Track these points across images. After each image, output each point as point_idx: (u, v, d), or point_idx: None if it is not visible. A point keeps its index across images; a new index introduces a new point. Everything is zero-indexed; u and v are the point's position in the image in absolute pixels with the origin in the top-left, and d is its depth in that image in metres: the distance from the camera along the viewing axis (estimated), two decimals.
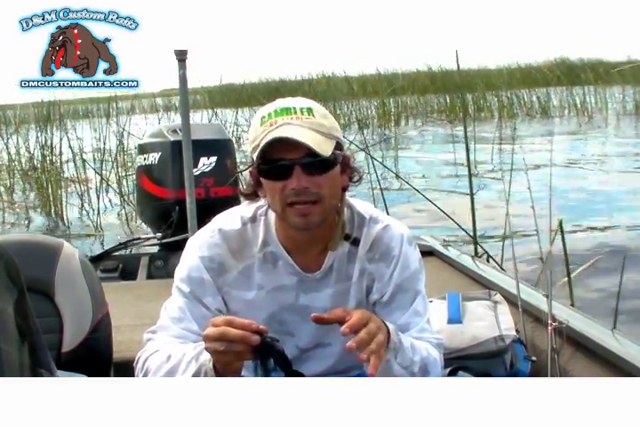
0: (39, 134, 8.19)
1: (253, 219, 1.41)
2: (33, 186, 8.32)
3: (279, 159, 1.26)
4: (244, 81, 16.78)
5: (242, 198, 1.45)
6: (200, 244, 1.41)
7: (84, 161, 8.22)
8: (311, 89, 13.98)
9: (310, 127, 1.27)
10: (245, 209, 1.43)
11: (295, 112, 1.28)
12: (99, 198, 7.41)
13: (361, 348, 1.13)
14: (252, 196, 1.39)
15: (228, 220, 1.42)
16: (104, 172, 7.96)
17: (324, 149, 1.26)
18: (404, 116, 15.45)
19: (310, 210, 1.28)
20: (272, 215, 1.40)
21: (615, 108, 16.20)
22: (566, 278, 3.47)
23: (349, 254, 1.41)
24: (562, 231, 3.33)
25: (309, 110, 1.29)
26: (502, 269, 3.56)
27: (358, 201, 1.48)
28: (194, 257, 1.40)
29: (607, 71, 16.12)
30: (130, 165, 8.36)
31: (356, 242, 1.41)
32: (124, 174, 8.05)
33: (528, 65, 19.14)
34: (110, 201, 7.84)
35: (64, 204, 7.57)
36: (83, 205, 7.72)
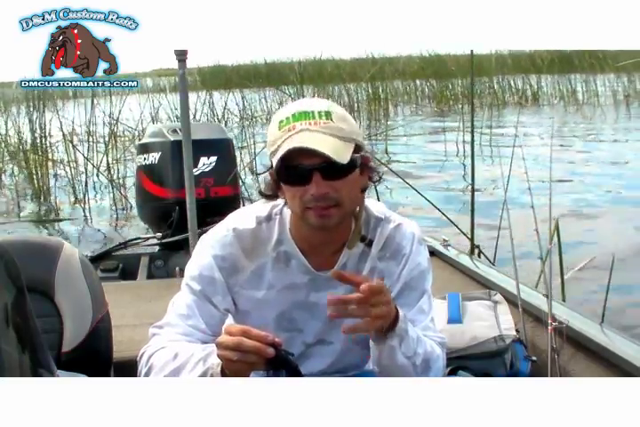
0: (29, 114, 8.08)
1: (268, 218, 1.41)
2: (22, 168, 8.27)
3: (298, 165, 1.26)
4: (235, 63, 16.69)
5: (259, 198, 1.45)
6: (213, 242, 1.40)
7: (73, 146, 8.16)
8: (302, 72, 13.95)
9: (329, 133, 1.26)
10: (260, 208, 1.43)
11: (313, 116, 1.27)
12: (86, 185, 7.40)
13: (342, 307, 1.16)
14: (272, 197, 1.39)
15: (243, 218, 1.42)
16: (94, 154, 7.93)
17: (343, 155, 1.25)
18: (392, 103, 15.32)
19: (330, 212, 1.28)
20: (287, 214, 1.40)
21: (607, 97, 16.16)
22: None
23: (362, 255, 1.42)
24: (558, 232, 3.33)
25: (328, 114, 1.28)
26: (493, 264, 3.58)
27: (372, 201, 1.48)
28: (207, 255, 1.39)
29: (599, 60, 16.07)
30: (121, 148, 8.36)
31: (370, 243, 1.41)
32: (114, 160, 8.04)
33: (519, 51, 19.06)
34: (99, 186, 7.82)
35: (52, 187, 7.60)
36: (74, 189, 7.68)
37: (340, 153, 1.25)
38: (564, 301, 3.21)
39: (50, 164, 7.86)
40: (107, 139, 8.20)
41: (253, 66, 17.18)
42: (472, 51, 4.28)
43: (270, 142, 1.30)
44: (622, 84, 16.03)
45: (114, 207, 7.10)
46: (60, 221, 6.86)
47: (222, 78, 14.22)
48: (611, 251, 3.81)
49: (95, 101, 8.43)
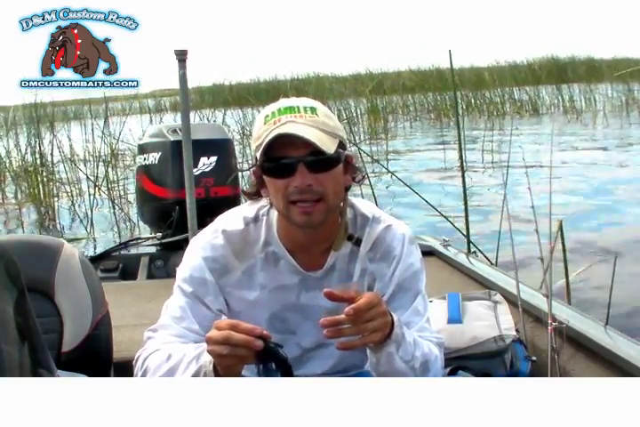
0: (30, 137, 8.12)
1: (255, 219, 1.41)
2: (24, 189, 8.27)
3: (283, 157, 1.27)
4: (232, 81, 16.77)
5: (244, 198, 1.46)
6: (203, 244, 1.40)
7: (75, 165, 8.17)
8: (301, 89, 14.04)
9: (314, 125, 1.27)
10: (248, 209, 1.44)
11: (299, 111, 1.29)
12: (92, 205, 7.39)
13: (335, 328, 1.14)
14: (255, 195, 1.39)
15: (231, 220, 1.42)
16: (94, 171, 7.94)
17: (328, 146, 1.27)
18: (392, 117, 15.39)
19: (313, 208, 1.28)
20: (274, 215, 1.40)
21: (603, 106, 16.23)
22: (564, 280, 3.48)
23: (351, 254, 1.41)
24: (562, 233, 3.32)
25: (313, 109, 1.30)
26: (492, 264, 3.58)
27: (361, 200, 1.48)
28: (197, 257, 1.40)
29: (595, 68, 16.17)
30: (121, 169, 8.39)
31: (358, 242, 1.41)
32: (115, 178, 8.07)
33: (516, 63, 19.24)
34: (100, 203, 7.82)
35: (56, 207, 7.57)
36: (74, 209, 7.68)
37: (326, 143, 1.26)
38: (569, 303, 3.21)
39: (52, 183, 7.85)
40: (107, 157, 8.24)
41: (253, 84, 17.26)
42: (450, 51, 4.27)
43: (255, 137, 1.31)
44: (618, 93, 16.13)
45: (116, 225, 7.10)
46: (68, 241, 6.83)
47: (221, 97, 14.28)
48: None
49: (95, 122, 8.47)
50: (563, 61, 19.24)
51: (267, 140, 1.26)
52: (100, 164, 8.14)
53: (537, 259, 2.23)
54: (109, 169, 8.07)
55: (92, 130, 8.55)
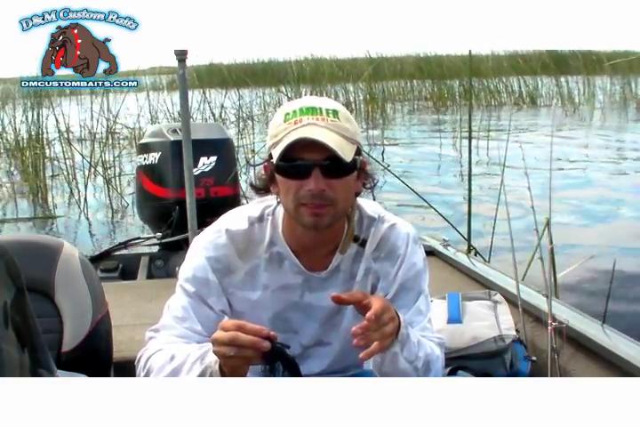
0: (26, 112, 8.06)
1: (260, 218, 1.40)
2: (18, 166, 8.27)
3: (299, 158, 1.25)
4: (231, 61, 16.67)
5: (247, 194, 1.45)
6: (206, 244, 1.39)
7: (70, 144, 8.13)
8: (299, 71, 14.02)
9: (335, 130, 1.26)
10: (253, 208, 1.42)
11: (321, 113, 1.27)
12: (86, 186, 7.40)
13: (364, 335, 1.14)
14: (263, 190, 1.38)
15: (236, 219, 1.41)
16: (89, 151, 7.92)
17: (347, 153, 1.25)
18: (389, 102, 15.31)
19: (323, 210, 1.27)
20: (279, 215, 1.39)
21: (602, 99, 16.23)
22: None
23: (356, 255, 1.41)
24: (549, 230, 3.32)
25: (335, 112, 1.28)
26: (487, 261, 3.58)
27: (366, 201, 1.47)
28: (200, 257, 1.39)
29: (596, 61, 16.15)
30: (118, 146, 8.40)
31: (363, 243, 1.40)
32: (113, 157, 8.08)
33: (515, 53, 19.16)
34: (94, 183, 7.83)
35: (49, 185, 7.59)
36: (71, 190, 7.69)
37: (345, 151, 1.25)
38: (556, 297, 3.22)
39: (46, 161, 7.86)
40: (103, 136, 8.23)
41: (250, 65, 17.19)
42: (470, 51, 4.30)
43: (273, 134, 1.29)
44: (616, 85, 16.12)
45: (109, 205, 7.13)
46: (57, 217, 6.87)
47: (219, 77, 14.22)
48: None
49: (93, 98, 8.46)
50: (560, 52, 19.12)
51: (286, 139, 1.24)
52: (96, 145, 8.09)
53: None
54: (104, 147, 8.03)
55: (91, 105, 8.53)
